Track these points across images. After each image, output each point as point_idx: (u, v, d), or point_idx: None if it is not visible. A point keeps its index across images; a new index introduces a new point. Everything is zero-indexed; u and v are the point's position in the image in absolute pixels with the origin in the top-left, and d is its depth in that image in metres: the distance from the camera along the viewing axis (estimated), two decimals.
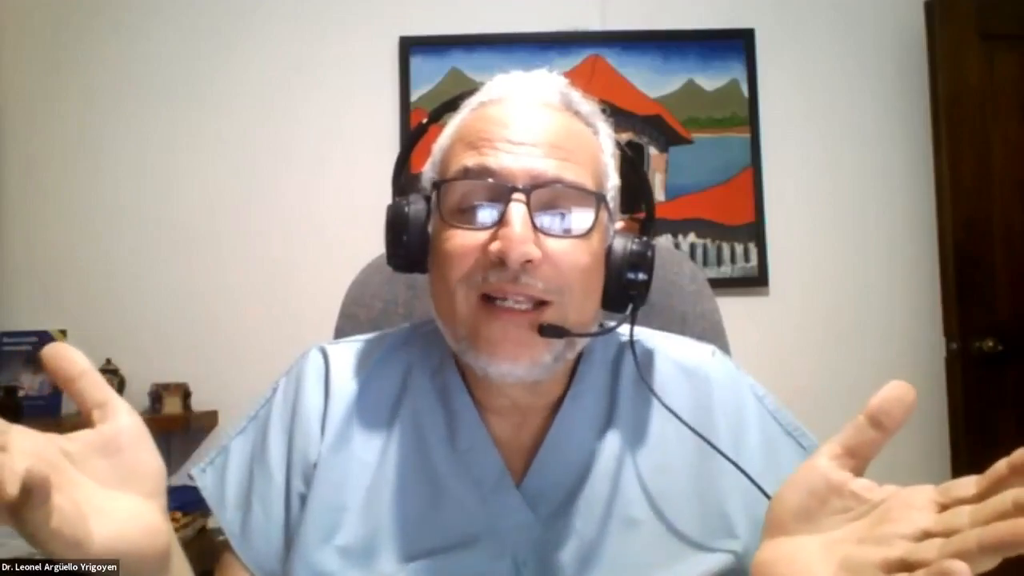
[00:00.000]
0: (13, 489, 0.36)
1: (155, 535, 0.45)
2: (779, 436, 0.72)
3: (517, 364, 0.63)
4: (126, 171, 2.29)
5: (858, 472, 0.45)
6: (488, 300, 0.62)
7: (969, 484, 0.39)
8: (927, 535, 0.38)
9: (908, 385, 0.44)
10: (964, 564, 0.34)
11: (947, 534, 0.37)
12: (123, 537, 0.42)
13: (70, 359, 0.46)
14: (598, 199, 0.65)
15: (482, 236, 0.62)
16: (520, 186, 0.61)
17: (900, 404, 0.44)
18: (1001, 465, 0.38)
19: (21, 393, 2.12)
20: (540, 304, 0.62)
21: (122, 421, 0.46)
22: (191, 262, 2.26)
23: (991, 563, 0.35)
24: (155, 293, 2.25)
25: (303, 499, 0.68)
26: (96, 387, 0.46)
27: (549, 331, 0.62)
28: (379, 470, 0.69)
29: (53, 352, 0.46)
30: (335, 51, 2.31)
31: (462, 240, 0.63)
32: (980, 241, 2.17)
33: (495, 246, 0.60)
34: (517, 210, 0.61)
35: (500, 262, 0.60)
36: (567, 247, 0.63)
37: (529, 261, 0.60)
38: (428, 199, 0.68)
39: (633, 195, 0.76)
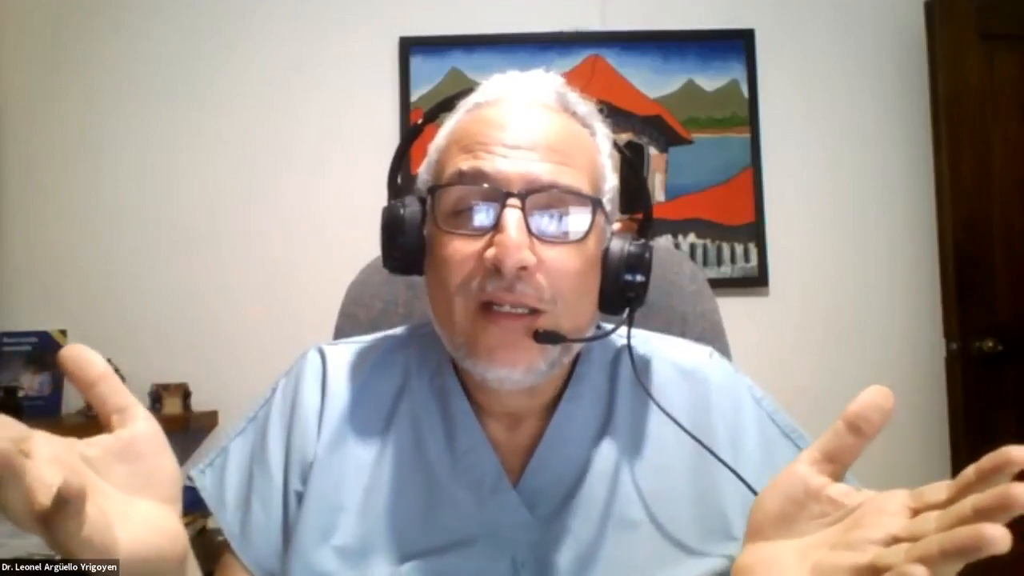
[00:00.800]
0: (45, 500, 0.35)
1: (175, 540, 0.45)
2: (777, 438, 0.72)
3: (514, 370, 0.63)
4: (126, 171, 2.29)
5: (837, 477, 0.45)
6: (485, 306, 0.62)
7: (941, 489, 0.39)
8: (896, 540, 0.38)
9: (887, 390, 0.44)
10: (924, 569, 0.34)
11: (914, 539, 0.37)
12: (146, 543, 0.42)
13: (90, 362, 0.45)
14: (594, 203, 0.64)
15: (478, 244, 0.62)
16: (515, 191, 0.61)
17: (879, 411, 0.44)
18: (970, 471, 0.38)
19: (21, 393, 2.12)
20: (535, 310, 0.62)
21: (140, 426, 0.46)
22: (191, 262, 2.26)
23: (955, 568, 0.35)
24: (155, 293, 2.25)
25: (300, 498, 0.68)
26: (116, 392, 0.45)
27: (544, 337, 0.62)
28: (376, 470, 0.69)
29: (72, 355, 0.44)
30: (335, 51, 2.31)
31: (458, 248, 0.63)
32: (980, 241, 2.17)
33: (490, 253, 0.60)
34: (512, 216, 0.60)
35: (496, 269, 0.60)
36: (561, 254, 0.62)
37: (524, 268, 0.60)
38: (423, 201, 0.68)
39: (631, 195, 0.75)
